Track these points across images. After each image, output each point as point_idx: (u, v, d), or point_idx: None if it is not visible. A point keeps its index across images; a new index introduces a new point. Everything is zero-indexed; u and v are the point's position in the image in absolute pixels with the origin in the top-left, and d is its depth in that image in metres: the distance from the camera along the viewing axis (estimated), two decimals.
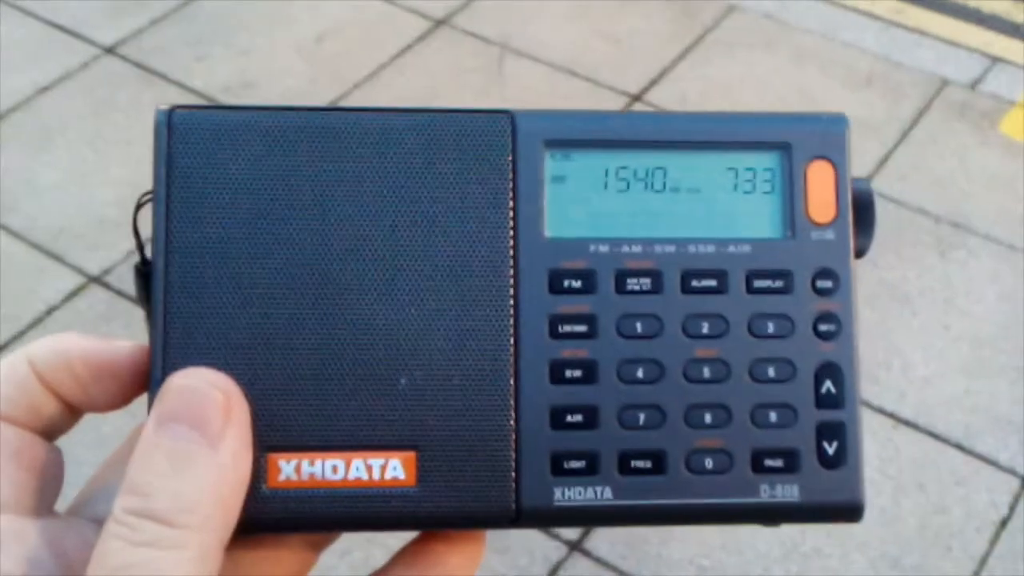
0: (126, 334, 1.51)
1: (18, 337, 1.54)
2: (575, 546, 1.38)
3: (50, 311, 1.59)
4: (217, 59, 1.98)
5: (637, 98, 1.95)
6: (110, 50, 2.01)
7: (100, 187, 1.75)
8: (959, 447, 1.49)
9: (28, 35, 2.01)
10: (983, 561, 1.37)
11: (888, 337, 1.63)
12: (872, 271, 1.71)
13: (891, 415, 1.54)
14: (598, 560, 1.37)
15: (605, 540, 1.38)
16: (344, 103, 1.88)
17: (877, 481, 1.45)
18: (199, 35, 2.03)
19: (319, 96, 1.91)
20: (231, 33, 2.04)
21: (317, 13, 2.10)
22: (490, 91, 1.94)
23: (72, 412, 0.38)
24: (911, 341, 1.62)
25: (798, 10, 2.16)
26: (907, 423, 1.52)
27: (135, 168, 1.76)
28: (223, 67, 1.96)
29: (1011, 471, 1.47)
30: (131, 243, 1.57)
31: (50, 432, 0.38)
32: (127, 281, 1.60)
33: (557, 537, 1.36)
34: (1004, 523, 1.41)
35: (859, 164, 1.78)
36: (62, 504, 0.38)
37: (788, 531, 1.38)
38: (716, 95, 1.96)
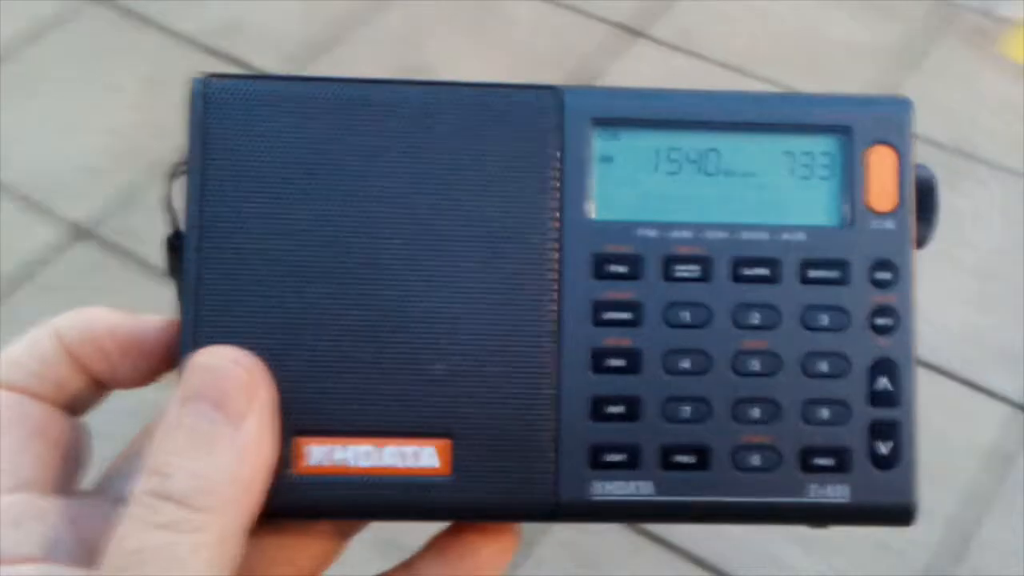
0: (117, 286, 1.49)
1: (7, 294, 1.51)
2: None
3: (42, 262, 1.57)
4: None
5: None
6: None
7: (87, 135, 1.72)
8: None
9: None
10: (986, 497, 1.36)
11: None
12: None
13: None
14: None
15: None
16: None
17: None
18: None
19: (314, 34, 1.88)
20: None
21: None
22: (486, 22, 1.90)
23: (99, 387, 0.38)
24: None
25: None
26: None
27: (123, 116, 1.73)
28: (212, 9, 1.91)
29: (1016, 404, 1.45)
30: (120, 193, 1.58)
31: (76, 408, 0.38)
32: (119, 232, 1.58)
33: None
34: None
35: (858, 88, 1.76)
36: (90, 481, 0.38)
37: None
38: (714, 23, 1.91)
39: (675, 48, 1.85)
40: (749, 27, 1.90)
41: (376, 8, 1.89)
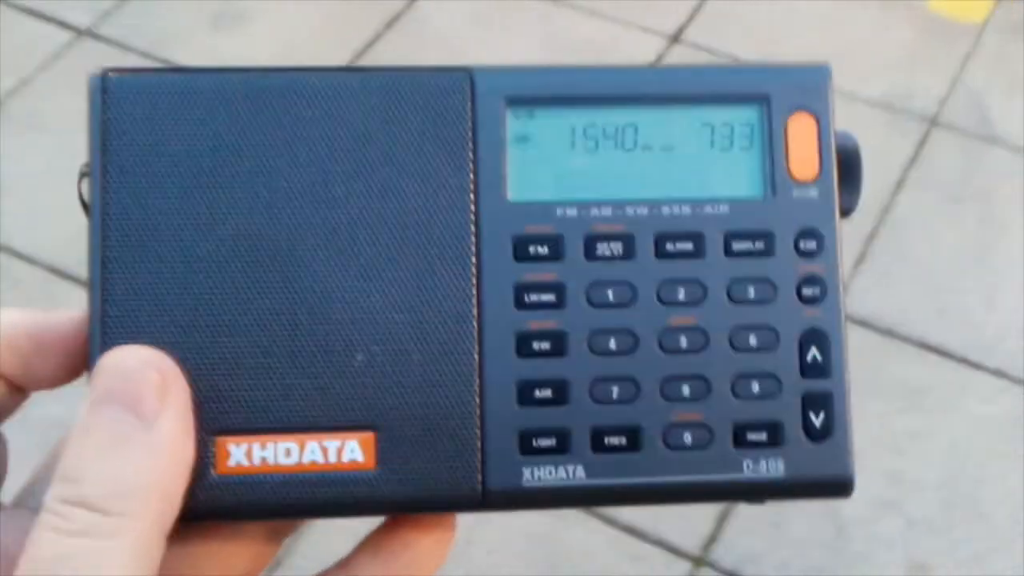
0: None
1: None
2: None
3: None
4: None
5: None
6: None
7: None
8: None
9: None
10: None
11: None
12: None
13: None
14: None
15: None
16: None
17: None
18: None
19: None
20: None
21: None
22: None
23: (16, 391, 0.37)
24: None
25: None
26: None
27: None
28: None
29: None
30: None
31: None
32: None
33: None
34: None
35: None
36: (10, 493, 0.38)
37: None
38: None
39: None
40: None
41: None
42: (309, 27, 1.86)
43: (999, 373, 1.46)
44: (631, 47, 1.84)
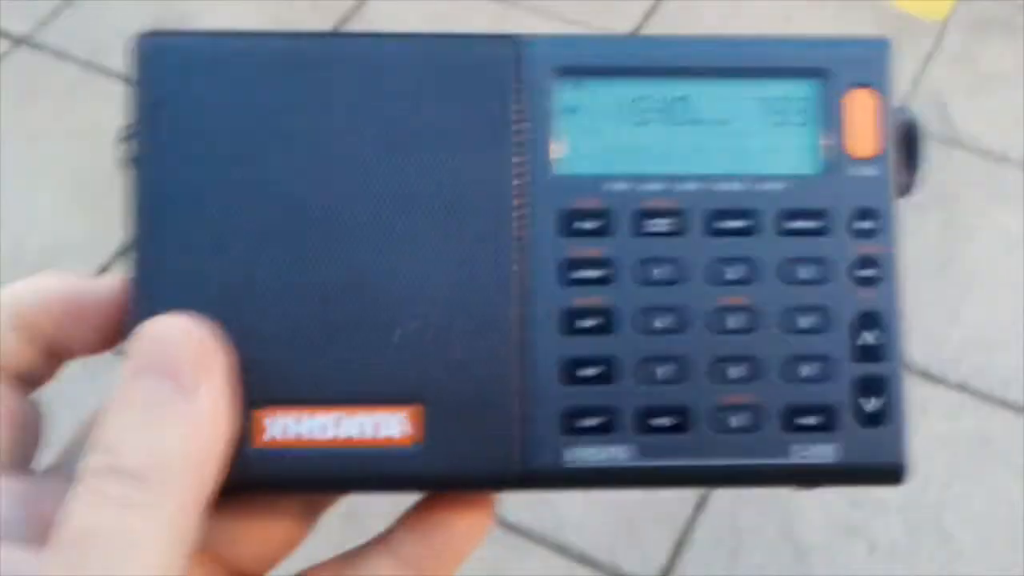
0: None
1: None
2: None
3: None
4: None
5: None
6: None
7: None
8: None
9: None
10: None
11: None
12: None
13: None
14: None
15: None
16: None
17: None
18: None
19: None
20: None
21: None
22: None
23: (53, 358, 0.37)
24: None
25: None
26: None
27: None
28: None
29: None
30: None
31: (30, 382, 0.37)
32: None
33: None
34: None
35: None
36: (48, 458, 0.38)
37: None
38: None
39: None
40: None
41: None
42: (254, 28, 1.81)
43: (961, 388, 1.43)
44: None
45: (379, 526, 0.38)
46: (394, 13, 1.86)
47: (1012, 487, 1.36)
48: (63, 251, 1.51)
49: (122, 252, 1.49)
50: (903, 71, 1.81)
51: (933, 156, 1.75)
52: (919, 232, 1.60)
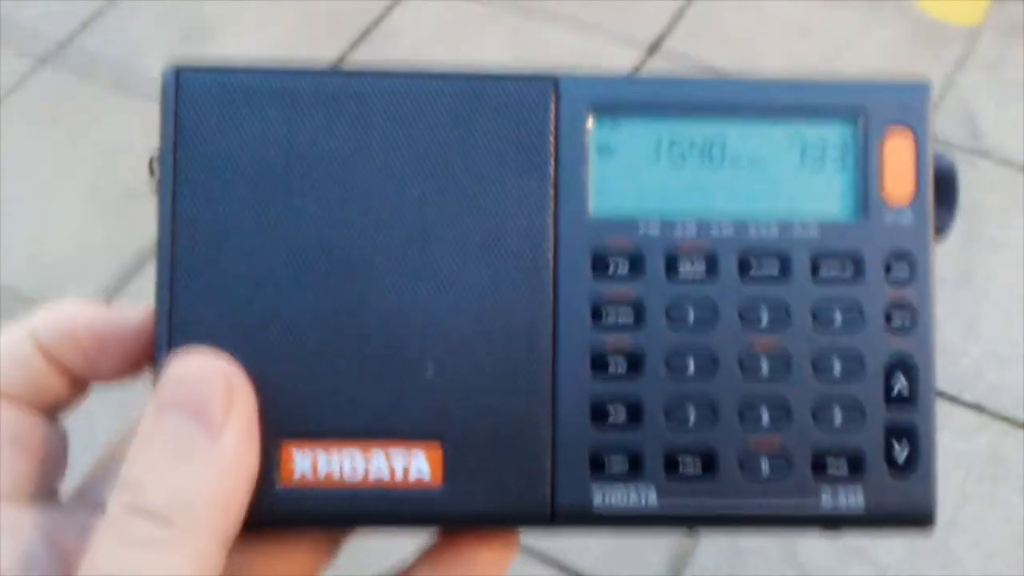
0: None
1: None
2: None
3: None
4: None
5: None
6: None
7: None
8: None
9: None
10: None
11: None
12: None
13: None
14: None
15: None
16: None
17: None
18: None
19: None
20: None
21: None
22: None
23: (77, 386, 0.38)
24: None
25: None
26: None
27: None
28: None
29: None
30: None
31: (54, 408, 0.37)
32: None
33: None
34: None
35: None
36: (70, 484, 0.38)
37: None
38: None
39: None
40: None
41: None
42: (273, 41, 1.82)
43: (977, 408, 1.40)
44: (608, 59, 1.79)
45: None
46: (417, 20, 1.86)
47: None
48: (81, 261, 1.53)
49: (139, 264, 1.51)
50: (931, 78, 1.77)
51: (959, 166, 1.71)
52: (940, 244, 1.57)
